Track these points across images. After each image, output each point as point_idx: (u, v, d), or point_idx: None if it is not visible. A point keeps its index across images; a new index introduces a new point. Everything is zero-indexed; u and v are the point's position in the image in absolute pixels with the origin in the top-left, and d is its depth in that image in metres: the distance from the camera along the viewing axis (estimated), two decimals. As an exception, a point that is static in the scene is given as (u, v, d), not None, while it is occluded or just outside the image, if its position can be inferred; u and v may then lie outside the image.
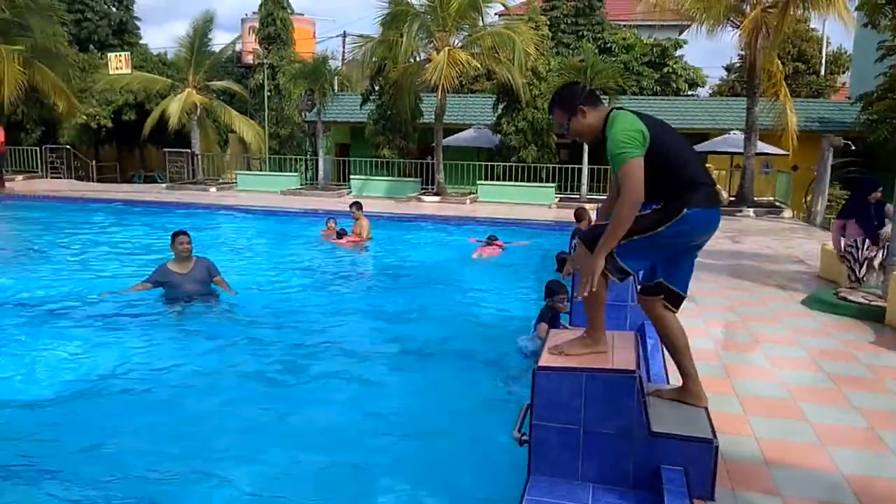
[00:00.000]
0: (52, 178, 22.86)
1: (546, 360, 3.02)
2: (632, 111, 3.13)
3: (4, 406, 4.71)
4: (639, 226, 2.99)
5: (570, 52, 26.33)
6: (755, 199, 17.25)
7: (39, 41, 20.86)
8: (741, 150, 17.18)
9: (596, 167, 18.39)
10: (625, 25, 28.54)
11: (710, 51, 59.78)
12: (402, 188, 18.81)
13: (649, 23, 26.80)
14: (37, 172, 22.86)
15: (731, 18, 16.12)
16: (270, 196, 17.90)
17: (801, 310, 6.36)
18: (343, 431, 4.48)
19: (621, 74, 20.26)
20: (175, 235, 7.31)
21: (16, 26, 20.77)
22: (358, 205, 11.86)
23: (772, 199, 18.88)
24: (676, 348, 3.25)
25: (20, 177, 21.37)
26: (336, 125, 25.44)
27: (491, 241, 11.32)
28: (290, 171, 21.43)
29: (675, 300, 3.21)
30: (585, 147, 17.29)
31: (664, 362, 4.10)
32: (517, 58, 16.83)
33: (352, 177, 20.13)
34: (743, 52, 15.99)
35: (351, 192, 19.23)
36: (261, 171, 23.46)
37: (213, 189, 19.05)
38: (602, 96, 18.71)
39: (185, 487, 3.75)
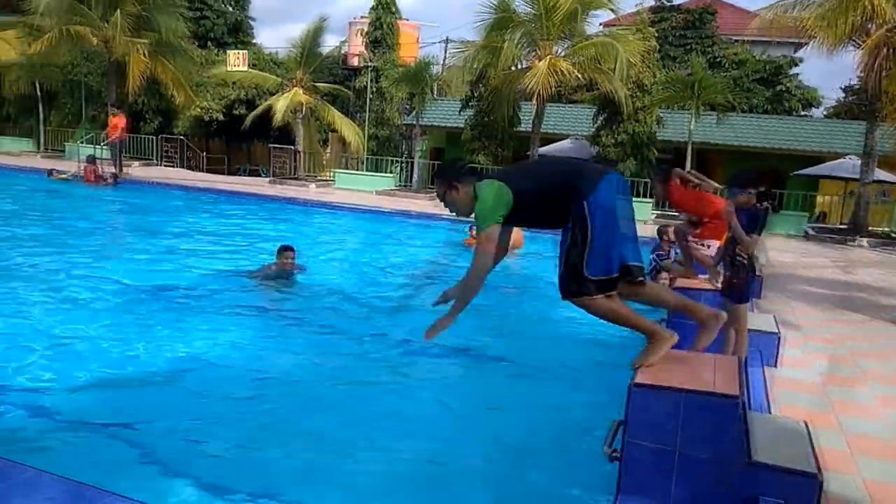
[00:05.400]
0: (165, 165, 24.23)
1: (643, 376, 2.95)
2: (494, 175, 3.43)
3: (106, 381, 5.01)
4: (580, 241, 3.10)
5: (677, 65, 25.66)
6: (870, 228, 16.24)
7: (164, 36, 22.15)
8: (857, 177, 16.22)
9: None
10: (737, 40, 27.50)
11: (828, 71, 56.73)
12: (494, 195, 18.78)
13: (763, 38, 25.66)
14: (152, 160, 24.26)
15: (854, 38, 15.21)
16: (366, 195, 18.31)
17: (917, 349, 5.95)
18: (425, 432, 4.51)
19: (731, 90, 19.55)
20: (283, 249, 7.60)
21: (144, 21, 22.17)
22: None
23: (888, 230, 17.71)
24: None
25: (137, 163, 22.74)
26: (433, 129, 25.76)
27: None
28: (387, 172, 21.84)
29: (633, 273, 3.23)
30: (687, 165, 16.78)
31: (766, 391, 3.94)
32: (619, 68, 16.49)
33: (445, 181, 20.24)
34: (863, 74, 15.02)
35: (444, 195, 19.40)
36: (358, 170, 24.04)
37: (312, 185, 19.64)
38: (710, 112, 18.19)
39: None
